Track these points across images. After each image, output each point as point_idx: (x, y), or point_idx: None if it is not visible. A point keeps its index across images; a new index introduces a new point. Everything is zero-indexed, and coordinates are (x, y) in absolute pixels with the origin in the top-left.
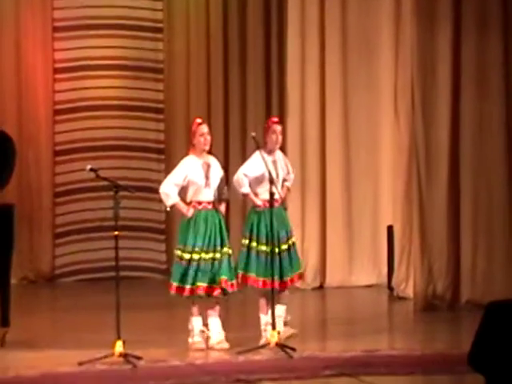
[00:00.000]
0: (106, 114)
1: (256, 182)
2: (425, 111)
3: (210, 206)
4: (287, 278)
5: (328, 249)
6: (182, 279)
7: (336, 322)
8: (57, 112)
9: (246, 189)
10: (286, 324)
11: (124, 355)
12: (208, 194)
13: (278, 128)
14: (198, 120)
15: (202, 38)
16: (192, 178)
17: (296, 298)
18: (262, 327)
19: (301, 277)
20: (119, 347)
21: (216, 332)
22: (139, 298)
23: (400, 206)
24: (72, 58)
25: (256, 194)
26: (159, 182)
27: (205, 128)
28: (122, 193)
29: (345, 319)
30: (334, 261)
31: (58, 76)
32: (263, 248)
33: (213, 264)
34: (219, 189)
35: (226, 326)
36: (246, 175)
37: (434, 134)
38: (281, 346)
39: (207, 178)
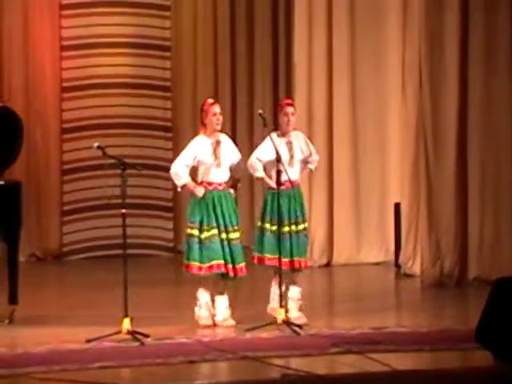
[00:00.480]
0: (114, 91)
1: (271, 166)
2: (432, 89)
3: (221, 187)
4: (299, 259)
5: (335, 226)
6: (199, 258)
7: (343, 300)
8: (64, 89)
9: (260, 173)
10: (301, 309)
11: (131, 332)
12: (219, 175)
13: (290, 110)
14: (210, 100)
15: (209, 15)
16: (201, 159)
17: (303, 276)
18: (272, 295)
19: (306, 263)
20: (127, 324)
21: (222, 309)
22: (147, 276)
23: (407, 183)
24: (79, 36)
25: (271, 177)
26: (166, 160)
27: (217, 108)
28: (129, 171)
29: (352, 296)
30: (341, 238)
31: (65, 54)
32: (274, 228)
33: (224, 245)
34: (235, 167)
35: (233, 303)
36: (259, 159)
37: (442, 112)
38: (288, 323)
39: (217, 158)
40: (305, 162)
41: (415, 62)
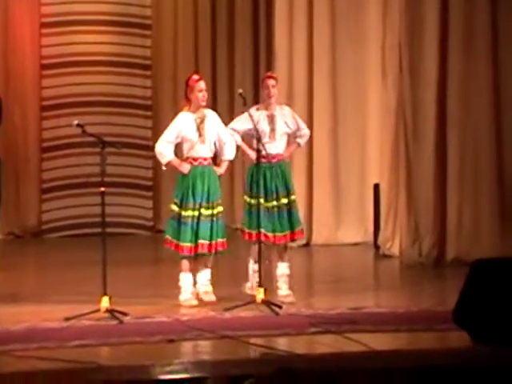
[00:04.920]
0: (94, 69)
1: (250, 136)
2: (412, 71)
3: (205, 162)
4: (284, 234)
5: (314, 206)
6: (183, 237)
7: (322, 280)
8: (44, 67)
9: (238, 141)
10: (291, 288)
11: (110, 311)
12: (203, 150)
13: (271, 82)
14: (196, 76)
15: None
16: (185, 135)
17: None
18: (251, 272)
19: (301, 233)
20: (105, 303)
21: (205, 281)
22: (126, 255)
23: (387, 164)
24: (59, 13)
25: (251, 147)
26: (146, 139)
27: (203, 84)
28: (108, 149)
29: (331, 277)
30: (320, 218)
31: (44, 31)
32: (255, 202)
33: (212, 222)
34: (219, 145)
35: (213, 281)
36: (234, 129)
37: (421, 96)
38: (267, 303)
39: (201, 133)
40: (293, 136)
41: (395, 44)
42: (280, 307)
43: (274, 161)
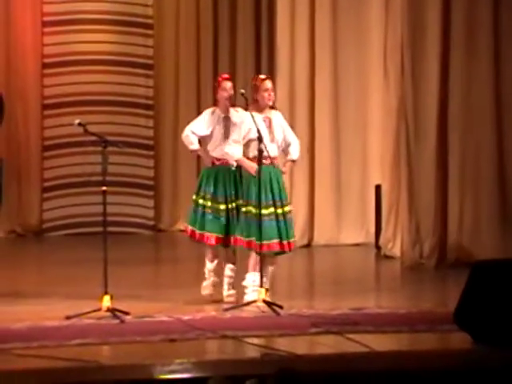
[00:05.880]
0: (95, 68)
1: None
2: (414, 71)
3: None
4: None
5: (316, 207)
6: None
7: (323, 281)
8: (45, 65)
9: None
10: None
11: (111, 310)
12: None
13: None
14: (262, 76)
15: None
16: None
17: (283, 256)
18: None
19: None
20: (106, 302)
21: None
22: (127, 254)
23: (388, 165)
24: (61, 12)
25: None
26: (148, 138)
27: (270, 83)
28: (110, 148)
29: (332, 277)
30: (322, 219)
31: (46, 29)
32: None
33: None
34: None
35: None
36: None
37: (423, 95)
38: (268, 303)
39: (271, 132)
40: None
41: (397, 45)
42: (281, 307)
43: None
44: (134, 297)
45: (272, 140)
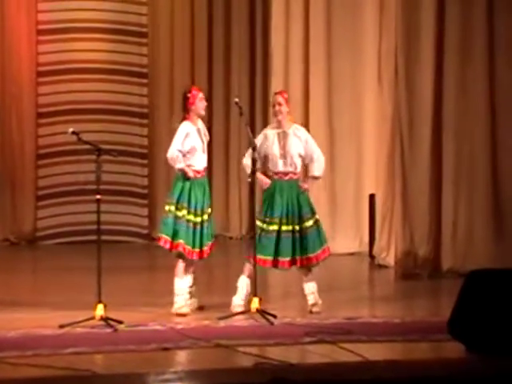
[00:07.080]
0: (90, 77)
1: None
2: (408, 78)
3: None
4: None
5: None
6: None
7: (317, 289)
8: (40, 74)
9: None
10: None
11: (105, 319)
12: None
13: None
14: (277, 91)
15: (186, 1)
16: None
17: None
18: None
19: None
20: (100, 310)
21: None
22: (121, 262)
23: (382, 174)
24: (56, 20)
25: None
26: (142, 147)
27: (280, 98)
28: (104, 157)
29: (326, 286)
30: None
31: (41, 38)
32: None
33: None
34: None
35: (208, 290)
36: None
37: (417, 103)
38: (261, 312)
39: (282, 147)
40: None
41: (391, 51)
42: (275, 317)
43: (199, 176)
44: (128, 305)
45: (283, 156)
